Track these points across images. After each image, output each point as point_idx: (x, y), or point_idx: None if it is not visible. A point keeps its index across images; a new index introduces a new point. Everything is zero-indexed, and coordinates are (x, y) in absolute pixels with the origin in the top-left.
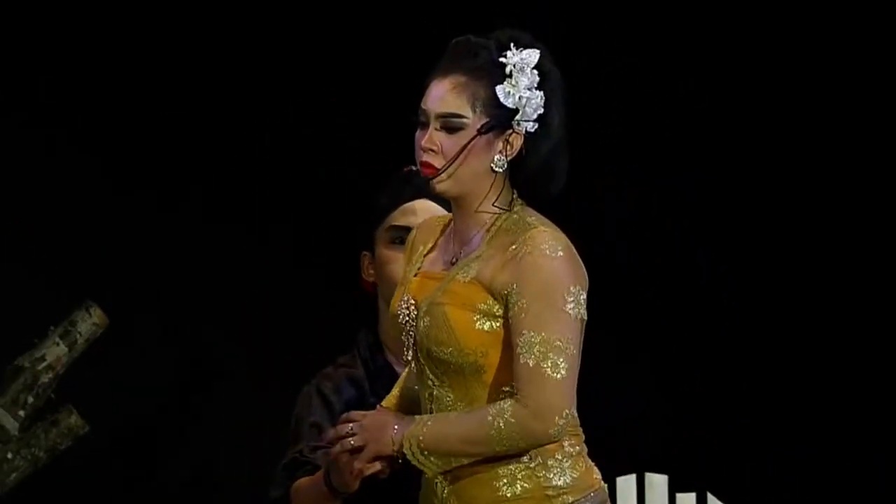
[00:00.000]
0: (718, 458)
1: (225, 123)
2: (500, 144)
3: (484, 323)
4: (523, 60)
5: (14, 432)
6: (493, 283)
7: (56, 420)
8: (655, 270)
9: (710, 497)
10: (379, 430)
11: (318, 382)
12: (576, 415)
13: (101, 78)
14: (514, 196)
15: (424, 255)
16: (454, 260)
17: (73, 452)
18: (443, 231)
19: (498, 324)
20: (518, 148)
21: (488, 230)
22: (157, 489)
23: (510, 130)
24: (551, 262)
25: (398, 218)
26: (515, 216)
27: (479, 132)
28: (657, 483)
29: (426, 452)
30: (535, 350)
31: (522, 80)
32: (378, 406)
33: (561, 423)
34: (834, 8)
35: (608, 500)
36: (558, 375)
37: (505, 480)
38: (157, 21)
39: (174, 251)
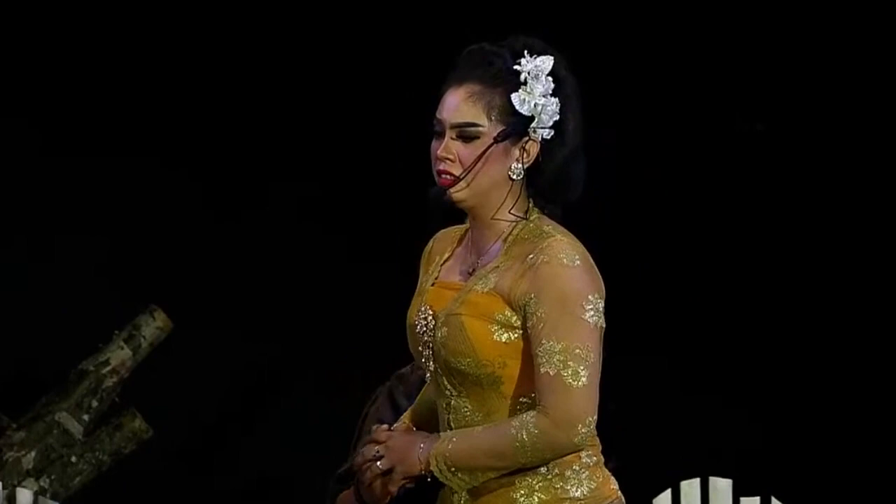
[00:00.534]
0: (783, 463)
1: (298, 133)
2: (517, 152)
3: (502, 334)
4: (538, 67)
5: (78, 436)
6: (511, 294)
7: (120, 424)
8: (722, 276)
9: (774, 501)
10: (405, 450)
11: (392, 385)
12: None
13: (175, 93)
14: (530, 204)
15: (441, 265)
16: (471, 270)
17: (137, 456)
18: (460, 241)
19: (516, 335)
20: (534, 155)
21: (505, 240)
22: (219, 493)
23: (526, 138)
24: (569, 271)
25: None
26: (532, 225)
27: (496, 140)
28: (721, 487)
29: (454, 469)
30: (555, 359)
31: (537, 87)
32: (401, 419)
33: (584, 432)
34: (834, 8)
35: None
36: (579, 384)
37: (523, 492)
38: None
39: (238, 257)
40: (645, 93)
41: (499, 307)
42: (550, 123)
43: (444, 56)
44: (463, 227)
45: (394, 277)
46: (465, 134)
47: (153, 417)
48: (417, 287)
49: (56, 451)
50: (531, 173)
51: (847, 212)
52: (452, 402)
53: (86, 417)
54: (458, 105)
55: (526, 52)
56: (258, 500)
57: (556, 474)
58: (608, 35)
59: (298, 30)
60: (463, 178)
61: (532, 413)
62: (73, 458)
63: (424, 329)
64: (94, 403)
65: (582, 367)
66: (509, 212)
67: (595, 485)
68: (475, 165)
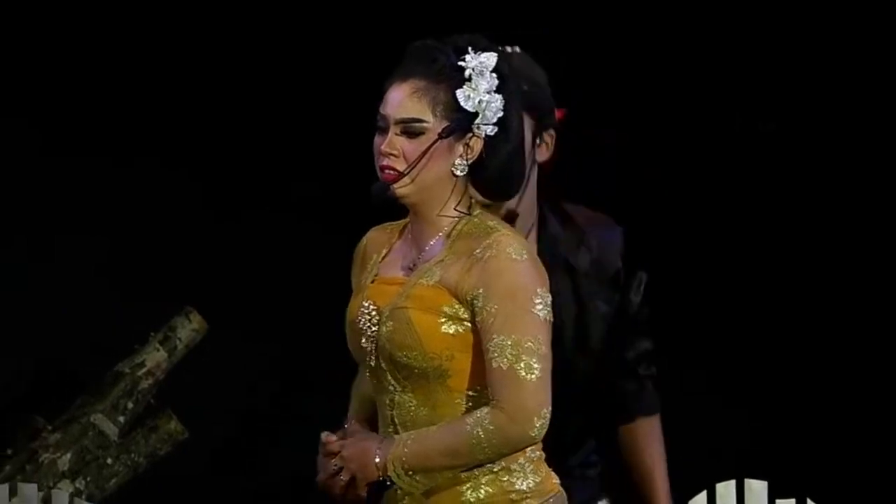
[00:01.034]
0: (819, 465)
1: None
2: (461, 148)
3: (450, 326)
4: (482, 64)
5: (114, 438)
6: (458, 287)
7: (156, 426)
8: (761, 280)
9: (809, 503)
10: (361, 458)
11: None
12: None
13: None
14: (473, 200)
15: (380, 262)
16: (412, 265)
17: (173, 458)
18: (399, 236)
19: (464, 327)
20: (478, 151)
21: (448, 235)
22: (255, 494)
23: (470, 134)
24: (518, 265)
25: None
26: (476, 220)
27: (441, 136)
28: (757, 489)
29: (411, 473)
30: (507, 353)
31: (482, 83)
32: (348, 420)
33: (539, 425)
34: (834, 8)
35: None
36: (532, 377)
37: (469, 485)
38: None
39: (273, 257)
40: (645, 93)
41: (445, 300)
42: (494, 120)
43: None
44: (398, 223)
45: None
46: (410, 129)
47: (189, 419)
48: (355, 286)
49: (91, 452)
50: (474, 169)
51: (848, 212)
52: (396, 397)
53: (121, 419)
54: (402, 101)
55: (470, 48)
56: (294, 501)
57: (503, 468)
58: (608, 35)
59: (298, 30)
60: (407, 173)
61: (486, 409)
62: (109, 460)
63: (368, 325)
64: (130, 405)
65: (535, 360)
66: (454, 208)
67: (539, 479)
68: (419, 161)
